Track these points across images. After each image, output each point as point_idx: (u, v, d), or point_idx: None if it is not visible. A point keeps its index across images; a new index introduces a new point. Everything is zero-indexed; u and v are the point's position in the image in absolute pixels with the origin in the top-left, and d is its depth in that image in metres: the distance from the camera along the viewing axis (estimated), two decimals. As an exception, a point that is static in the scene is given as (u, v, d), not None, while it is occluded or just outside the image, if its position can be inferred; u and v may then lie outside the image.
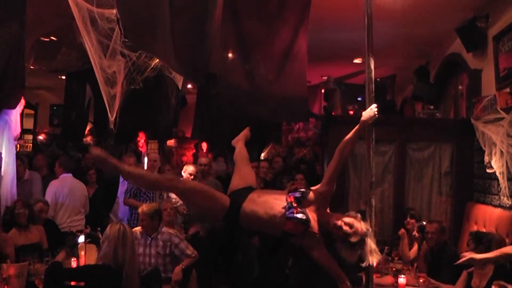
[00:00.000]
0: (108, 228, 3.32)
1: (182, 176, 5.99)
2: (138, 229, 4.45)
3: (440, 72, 6.77)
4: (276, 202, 2.92)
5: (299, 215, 2.84)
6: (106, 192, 6.06)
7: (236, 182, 3.12)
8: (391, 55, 7.11)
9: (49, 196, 5.34)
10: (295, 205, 2.88)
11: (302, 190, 2.96)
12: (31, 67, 7.33)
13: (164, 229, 4.40)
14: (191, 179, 5.96)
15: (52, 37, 6.78)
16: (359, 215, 3.00)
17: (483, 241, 3.75)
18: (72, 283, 3.34)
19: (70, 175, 5.68)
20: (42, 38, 6.67)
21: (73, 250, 3.66)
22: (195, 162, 7.71)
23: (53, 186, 5.50)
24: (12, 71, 4.66)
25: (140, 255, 4.28)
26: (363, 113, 2.90)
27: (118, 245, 3.18)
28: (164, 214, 4.76)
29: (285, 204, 2.89)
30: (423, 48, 6.85)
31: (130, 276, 3.20)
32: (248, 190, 3.03)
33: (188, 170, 6.00)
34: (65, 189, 5.47)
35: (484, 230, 4.34)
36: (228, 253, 5.50)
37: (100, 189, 6.13)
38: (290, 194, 2.94)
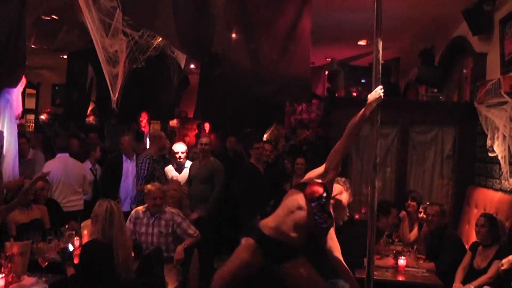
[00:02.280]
0: (96, 206, 3.36)
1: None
2: (140, 208, 4.47)
3: (445, 55, 6.70)
4: (297, 218, 3.04)
5: (329, 223, 3.01)
6: (111, 172, 6.07)
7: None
8: (396, 38, 7.02)
9: None
10: (320, 214, 2.97)
11: (324, 195, 3.01)
12: (32, 46, 7.25)
13: (167, 208, 4.42)
14: (180, 156, 5.92)
15: (53, 16, 6.70)
16: (347, 182, 3.30)
17: (495, 225, 3.82)
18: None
19: (66, 154, 5.65)
20: (43, 17, 6.58)
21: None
22: (197, 142, 7.69)
23: (48, 167, 5.49)
24: (12, 50, 4.61)
25: (142, 234, 4.33)
26: (369, 96, 2.88)
27: (105, 224, 3.26)
28: (167, 195, 4.75)
29: (310, 219, 3.00)
30: (428, 31, 6.76)
31: (120, 250, 3.26)
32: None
33: (175, 149, 5.98)
34: (59, 169, 5.44)
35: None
36: (230, 233, 5.52)
37: (104, 170, 6.14)
38: (313, 204, 2.99)
